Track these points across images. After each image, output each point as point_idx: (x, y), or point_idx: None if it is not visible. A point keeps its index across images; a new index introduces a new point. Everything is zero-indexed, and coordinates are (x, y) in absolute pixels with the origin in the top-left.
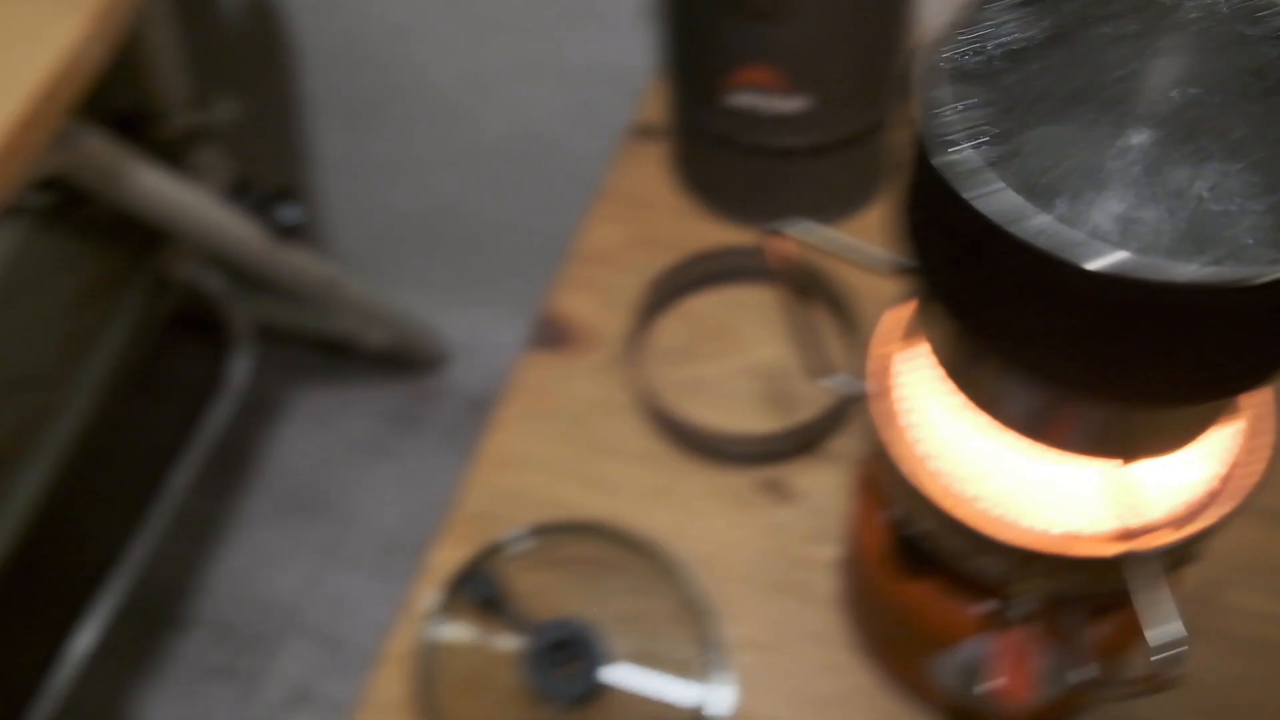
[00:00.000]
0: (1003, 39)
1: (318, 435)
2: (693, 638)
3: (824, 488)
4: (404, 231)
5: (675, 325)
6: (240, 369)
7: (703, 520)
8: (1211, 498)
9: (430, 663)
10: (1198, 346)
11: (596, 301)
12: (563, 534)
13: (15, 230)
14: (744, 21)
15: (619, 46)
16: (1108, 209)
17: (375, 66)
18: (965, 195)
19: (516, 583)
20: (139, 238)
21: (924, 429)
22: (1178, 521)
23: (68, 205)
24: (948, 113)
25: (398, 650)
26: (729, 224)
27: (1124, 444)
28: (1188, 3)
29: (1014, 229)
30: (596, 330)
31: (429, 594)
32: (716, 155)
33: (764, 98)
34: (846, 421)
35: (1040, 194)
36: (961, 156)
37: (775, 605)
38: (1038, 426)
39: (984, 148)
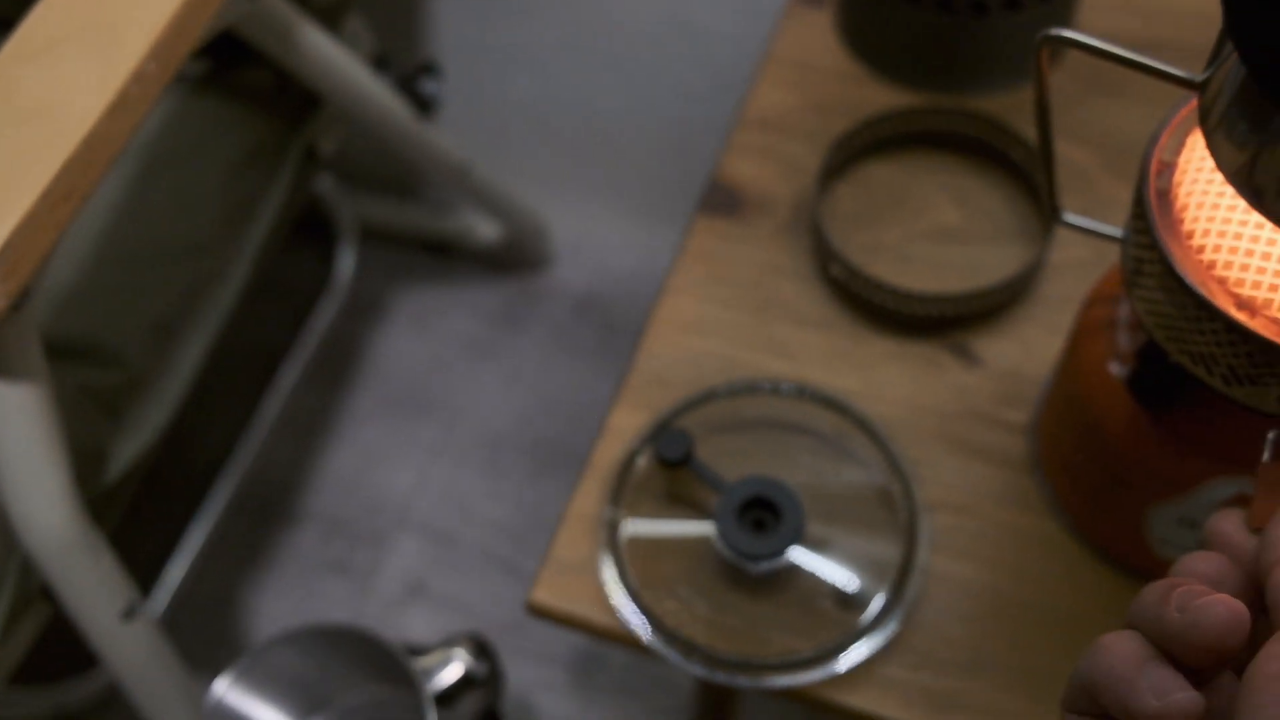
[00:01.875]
0: None
1: (423, 335)
2: (887, 499)
3: (1011, 353)
4: (518, 122)
5: (851, 190)
6: (345, 268)
7: (887, 384)
8: None
9: (617, 525)
10: None
11: (768, 167)
12: (752, 394)
13: (173, 97)
14: None
15: None
16: None
17: None
18: None
19: (703, 445)
20: (292, 106)
21: (1209, 240)
22: None
23: (222, 72)
24: None
25: (578, 511)
26: (902, 89)
27: None
28: None
29: None
30: (769, 196)
31: (608, 458)
32: (900, 14)
33: None
34: (1033, 287)
35: None
36: None
37: (966, 467)
38: None
39: None
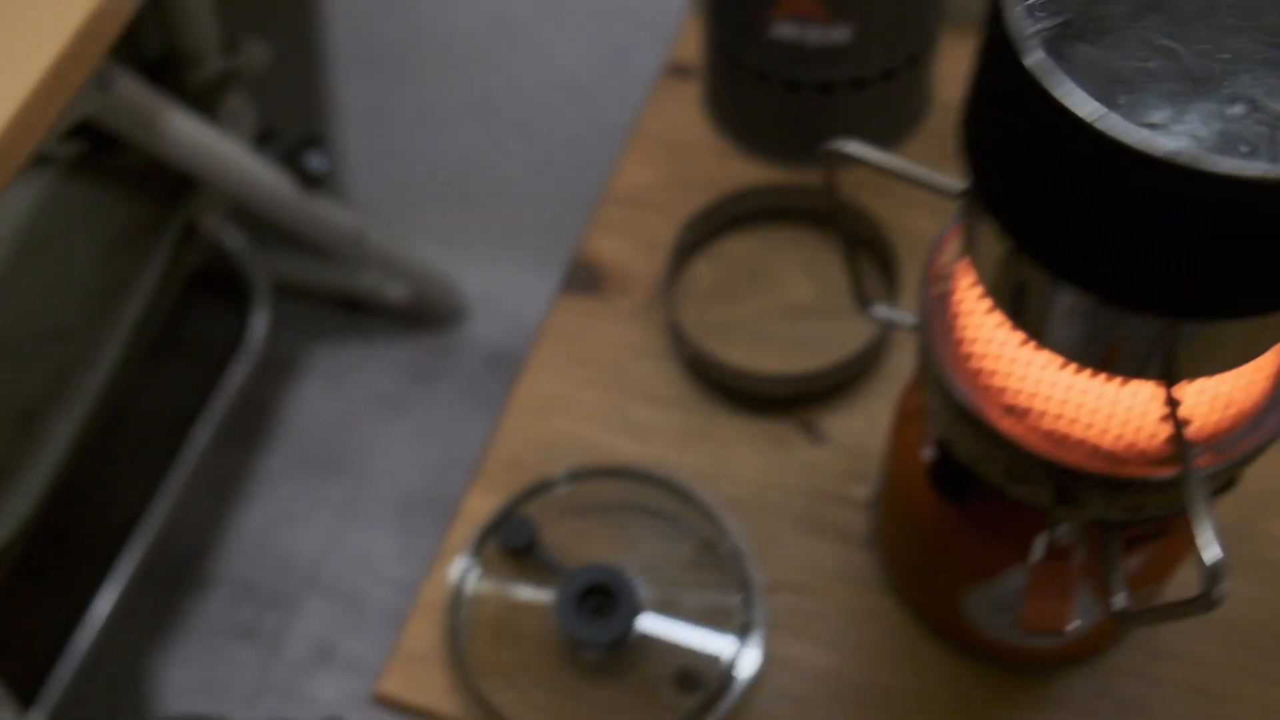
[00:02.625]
0: None
1: (337, 392)
2: (726, 581)
3: (857, 428)
4: (424, 182)
5: (709, 267)
6: (259, 326)
7: (736, 463)
8: (1262, 415)
9: (460, 612)
10: (1257, 248)
11: (630, 244)
12: (595, 479)
13: (44, 180)
14: None
15: None
16: (1183, 109)
17: (401, 10)
18: (1052, 92)
19: (549, 530)
20: (167, 187)
21: (976, 348)
22: (1230, 442)
23: (95, 154)
24: (1025, 15)
25: (428, 600)
26: (763, 163)
27: (1175, 364)
28: None
29: (1095, 124)
30: (630, 273)
31: (460, 542)
32: (753, 91)
33: (805, 28)
34: (880, 362)
35: (1114, 92)
36: (1038, 56)
37: (809, 546)
38: (1087, 350)
39: (1059, 45)
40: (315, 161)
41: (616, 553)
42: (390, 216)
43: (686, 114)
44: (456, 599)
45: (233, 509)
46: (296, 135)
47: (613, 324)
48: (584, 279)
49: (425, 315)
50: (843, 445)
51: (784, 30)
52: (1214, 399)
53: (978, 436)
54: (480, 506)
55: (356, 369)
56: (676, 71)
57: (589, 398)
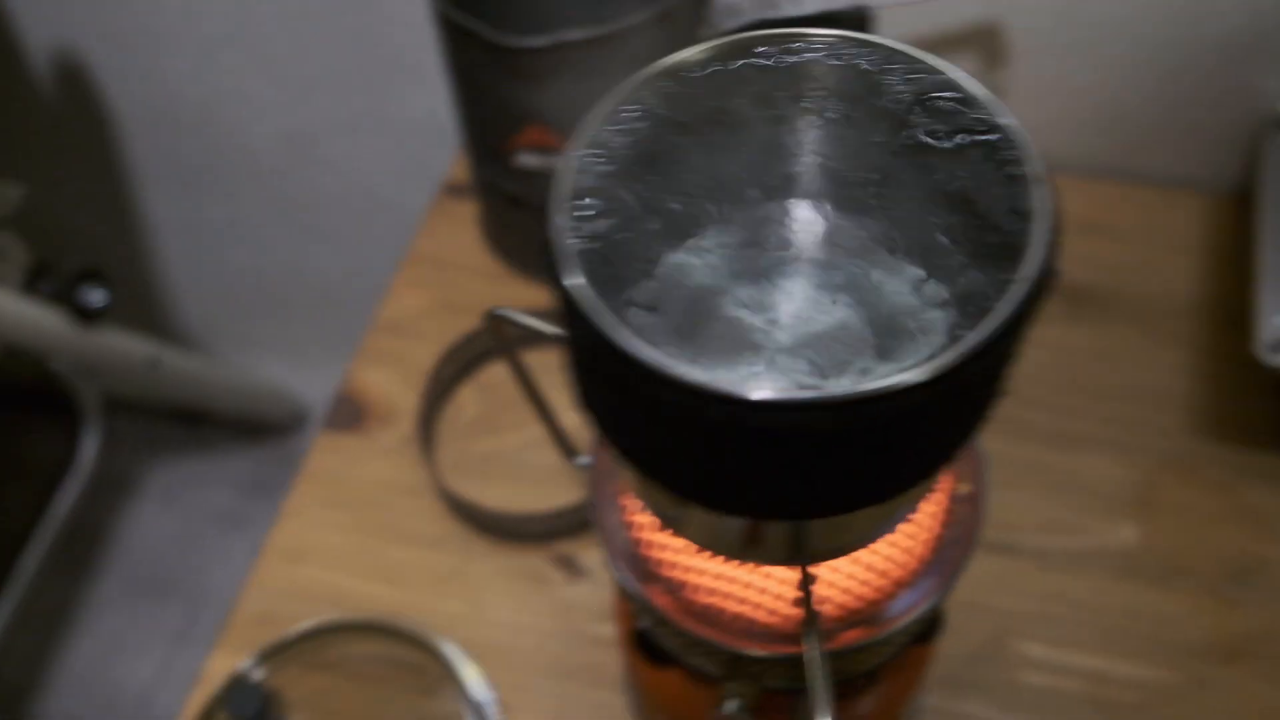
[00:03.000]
0: (616, 151)
1: (171, 509)
2: None
3: None
4: (251, 293)
5: (475, 396)
6: (90, 445)
7: (494, 605)
8: (896, 588)
9: None
10: (827, 460)
11: (396, 374)
12: (341, 634)
13: None
14: (516, 82)
15: (440, 99)
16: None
17: (195, 130)
18: (593, 323)
19: (291, 690)
20: None
21: (636, 518)
22: (875, 618)
23: None
24: (571, 232)
25: None
26: (534, 284)
27: (801, 550)
28: (817, 88)
29: (641, 359)
30: (394, 406)
31: (195, 714)
32: (513, 215)
33: (547, 158)
34: None
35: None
36: (577, 281)
37: (560, 692)
38: (714, 540)
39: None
40: (92, 295)
41: (367, 712)
42: (222, 329)
43: (461, 235)
44: None
45: (62, 641)
46: (74, 269)
47: (373, 461)
48: (346, 414)
49: (262, 426)
50: (601, 579)
51: (528, 159)
52: (850, 578)
53: (643, 608)
54: (225, 668)
55: (195, 485)
56: (454, 191)
57: (346, 542)
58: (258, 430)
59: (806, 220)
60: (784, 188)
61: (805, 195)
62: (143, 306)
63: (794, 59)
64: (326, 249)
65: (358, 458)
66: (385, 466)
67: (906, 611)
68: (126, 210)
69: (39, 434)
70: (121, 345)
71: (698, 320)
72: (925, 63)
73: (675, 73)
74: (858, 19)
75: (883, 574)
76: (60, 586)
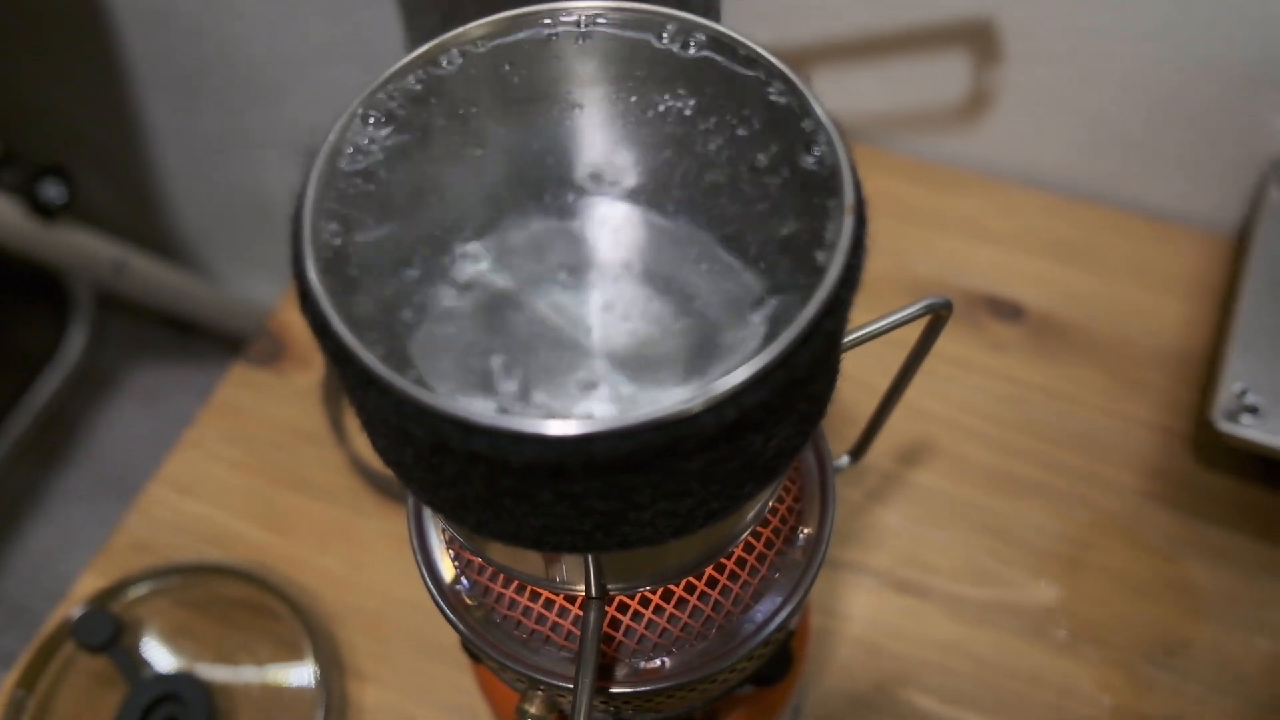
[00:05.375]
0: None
1: (150, 413)
2: (325, 700)
3: None
4: (245, 210)
5: None
6: (77, 338)
7: (373, 569)
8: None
9: (22, 717)
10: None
11: None
12: (211, 575)
13: None
14: None
15: None
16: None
17: (193, 37)
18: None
19: (153, 622)
20: None
21: (447, 535)
22: (661, 659)
23: None
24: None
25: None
26: None
27: (598, 583)
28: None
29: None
30: (315, 347)
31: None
32: None
33: None
34: None
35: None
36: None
37: (424, 669)
38: (510, 563)
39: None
40: (50, 190)
41: (223, 656)
42: (219, 244)
43: None
44: (22, 696)
45: (21, 527)
46: (38, 162)
47: (283, 403)
48: (266, 349)
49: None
50: None
51: None
52: (654, 616)
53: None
54: (88, 591)
55: (177, 391)
56: None
57: (240, 482)
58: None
59: (598, 221)
60: (557, 189)
61: (591, 192)
62: (134, 210)
63: (578, 31)
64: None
65: (268, 396)
66: (293, 410)
67: (707, 660)
68: (120, 112)
69: (28, 320)
70: (84, 245)
71: (429, 344)
72: (730, 36)
73: (449, 50)
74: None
75: (692, 614)
76: (28, 473)
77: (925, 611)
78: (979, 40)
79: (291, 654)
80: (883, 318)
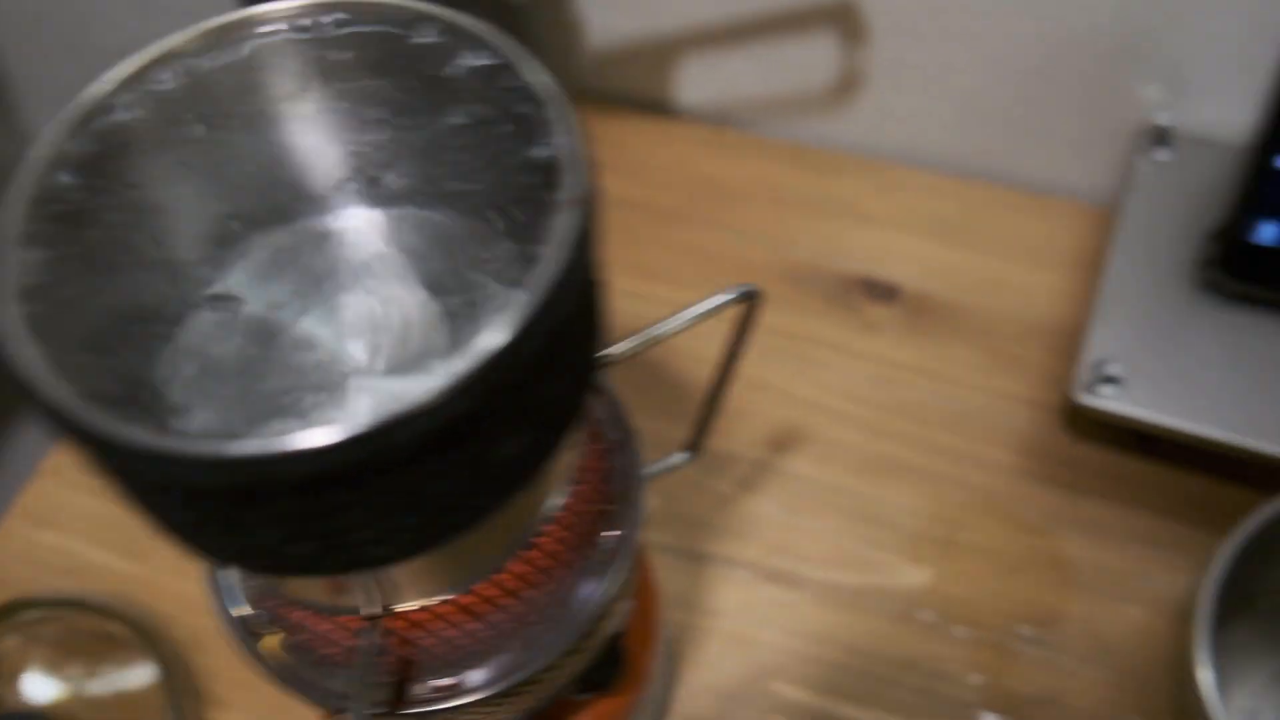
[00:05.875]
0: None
1: None
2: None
3: None
4: None
5: None
6: None
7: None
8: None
9: None
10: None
11: None
12: (59, 609)
13: None
14: None
15: None
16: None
17: None
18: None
19: (11, 659)
20: None
21: None
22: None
23: None
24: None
25: None
26: None
27: (382, 598)
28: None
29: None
30: None
31: None
32: None
33: None
34: None
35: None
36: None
37: (284, 702)
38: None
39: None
40: None
41: (70, 691)
42: None
43: None
44: None
45: None
46: None
47: None
48: None
49: None
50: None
51: None
52: (440, 630)
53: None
54: None
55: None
56: None
57: (105, 511)
58: None
59: (341, 234)
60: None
61: (327, 201)
62: None
63: (304, 36)
64: None
65: None
66: None
67: (509, 671)
68: None
69: None
70: None
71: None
72: (458, 24)
73: (167, 61)
74: None
75: (483, 624)
76: None
77: (797, 601)
78: (844, 20)
79: (143, 684)
80: (691, 308)
